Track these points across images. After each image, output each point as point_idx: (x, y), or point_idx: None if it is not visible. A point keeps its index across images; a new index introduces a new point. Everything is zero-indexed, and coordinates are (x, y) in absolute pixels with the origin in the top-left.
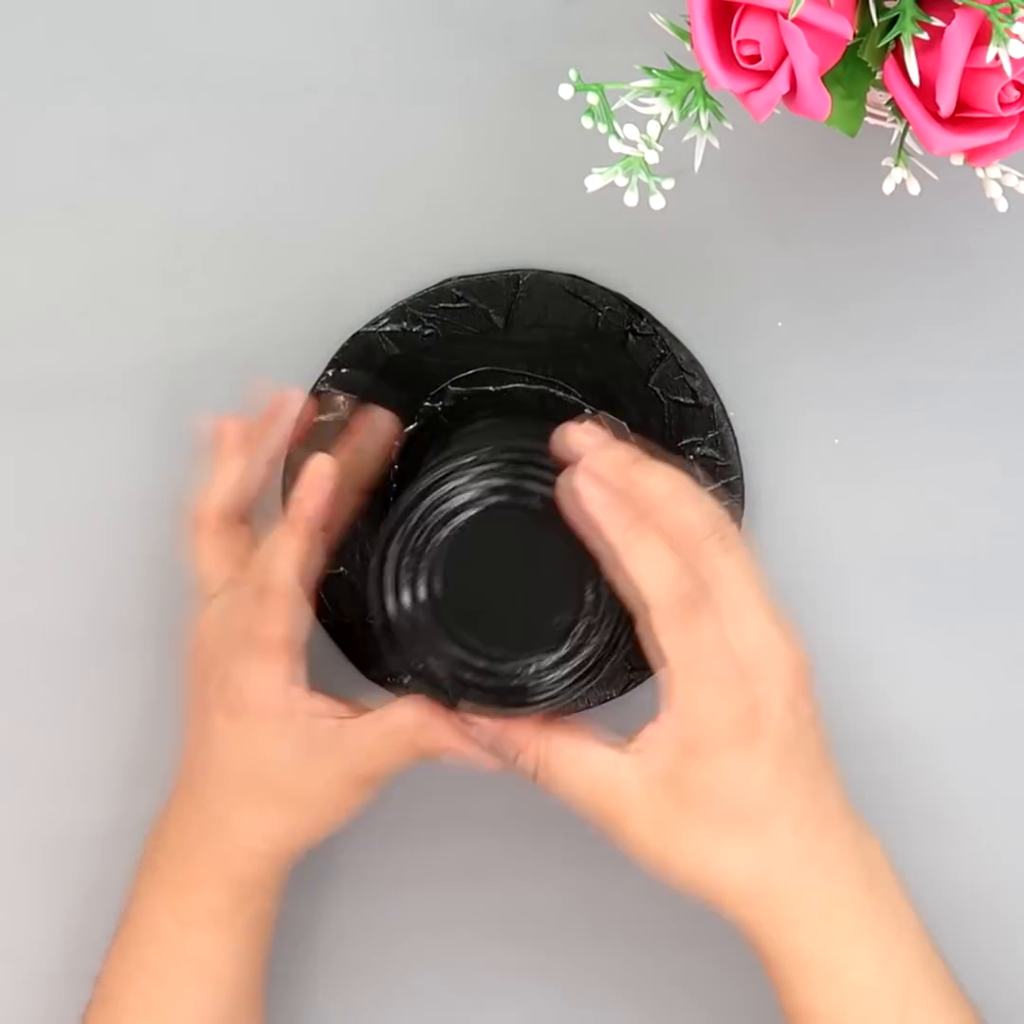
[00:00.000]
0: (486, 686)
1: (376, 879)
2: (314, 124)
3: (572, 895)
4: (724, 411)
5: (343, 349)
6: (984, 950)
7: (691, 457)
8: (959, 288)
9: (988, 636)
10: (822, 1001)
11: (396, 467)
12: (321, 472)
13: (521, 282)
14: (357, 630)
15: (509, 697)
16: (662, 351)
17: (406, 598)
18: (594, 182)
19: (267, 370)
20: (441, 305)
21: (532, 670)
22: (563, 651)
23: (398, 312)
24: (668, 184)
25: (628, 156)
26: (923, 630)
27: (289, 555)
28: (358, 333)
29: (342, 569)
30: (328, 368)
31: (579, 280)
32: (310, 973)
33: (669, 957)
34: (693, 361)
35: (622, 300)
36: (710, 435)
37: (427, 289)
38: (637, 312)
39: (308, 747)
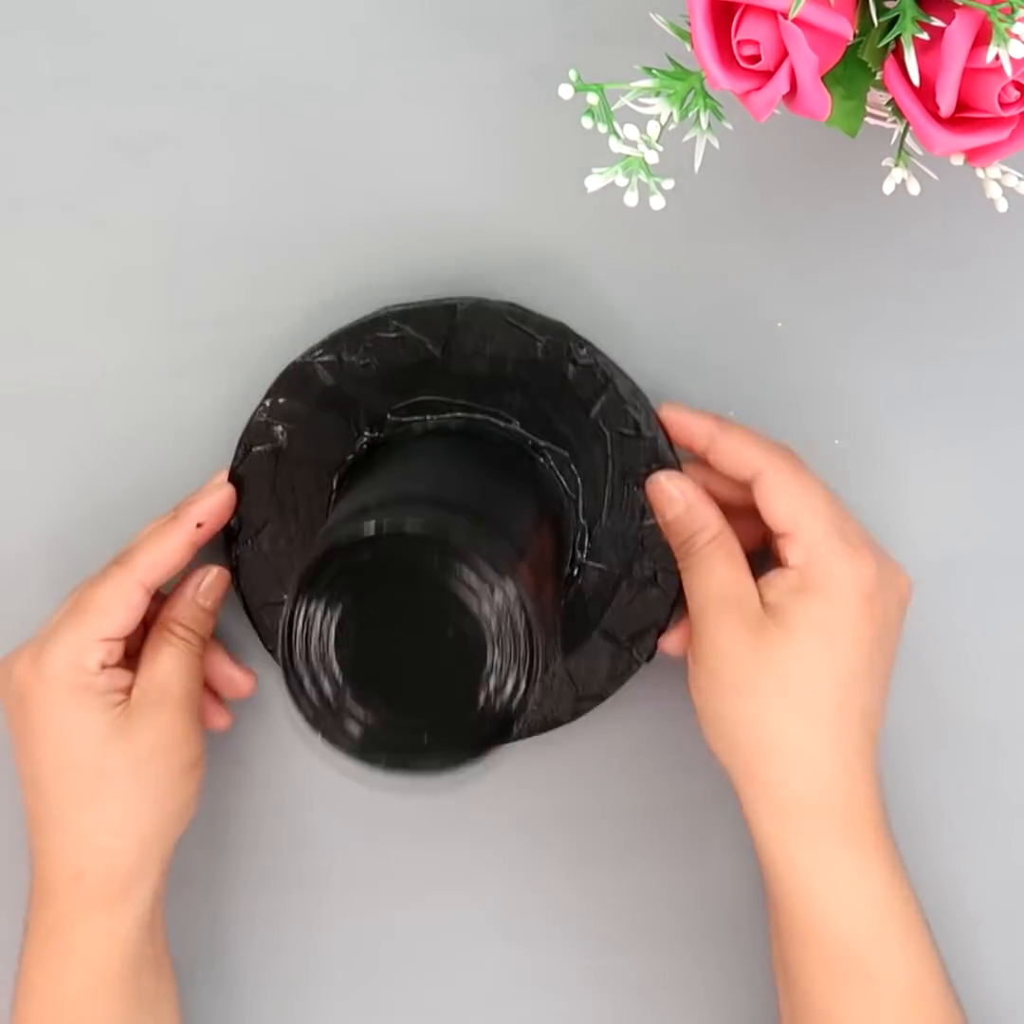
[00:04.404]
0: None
1: (374, 880)
2: (315, 123)
3: (570, 896)
4: (669, 444)
5: (278, 380)
6: (985, 950)
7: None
8: (959, 288)
9: (988, 636)
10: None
11: (333, 497)
12: (219, 481)
13: (458, 311)
14: None
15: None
16: (603, 381)
17: (319, 669)
18: (594, 182)
19: (267, 370)
20: (377, 334)
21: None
22: (481, 704)
23: (332, 342)
24: (668, 184)
25: (628, 156)
26: (922, 629)
27: (153, 543)
28: (294, 363)
29: None
30: (265, 398)
31: (518, 309)
32: (307, 974)
33: (668, 959)
34: (635, 392)
35: (563, 330)
36: (654, 467)
37: (363, 319)
38: (578, 342)
39: (118, 721)
